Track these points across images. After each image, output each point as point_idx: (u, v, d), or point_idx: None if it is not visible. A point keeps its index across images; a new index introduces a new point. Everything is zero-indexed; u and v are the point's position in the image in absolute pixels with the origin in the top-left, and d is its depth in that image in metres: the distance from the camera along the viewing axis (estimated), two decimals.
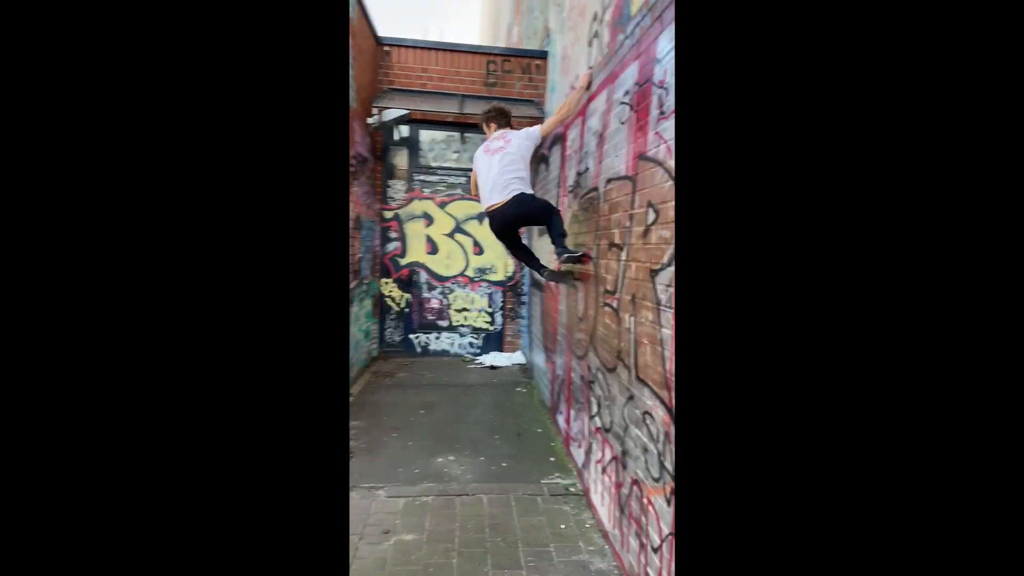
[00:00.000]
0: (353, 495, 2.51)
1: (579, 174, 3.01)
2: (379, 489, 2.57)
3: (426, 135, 5.16)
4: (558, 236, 2.68)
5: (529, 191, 2.75)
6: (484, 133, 3.03)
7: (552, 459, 3.03)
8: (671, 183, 1.64)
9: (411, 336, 5.30)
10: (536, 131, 2.83)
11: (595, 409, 2.50)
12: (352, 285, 4.18)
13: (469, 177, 5.20)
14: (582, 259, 2.69)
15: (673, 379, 1.58)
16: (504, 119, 2.98)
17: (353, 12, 3.93)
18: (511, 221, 2.80)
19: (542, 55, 5.08)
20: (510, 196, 2.70)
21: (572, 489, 2.67)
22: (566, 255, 2.62)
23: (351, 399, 3.93)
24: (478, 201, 2.98)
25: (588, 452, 2.60)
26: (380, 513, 2.36)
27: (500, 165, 2.73)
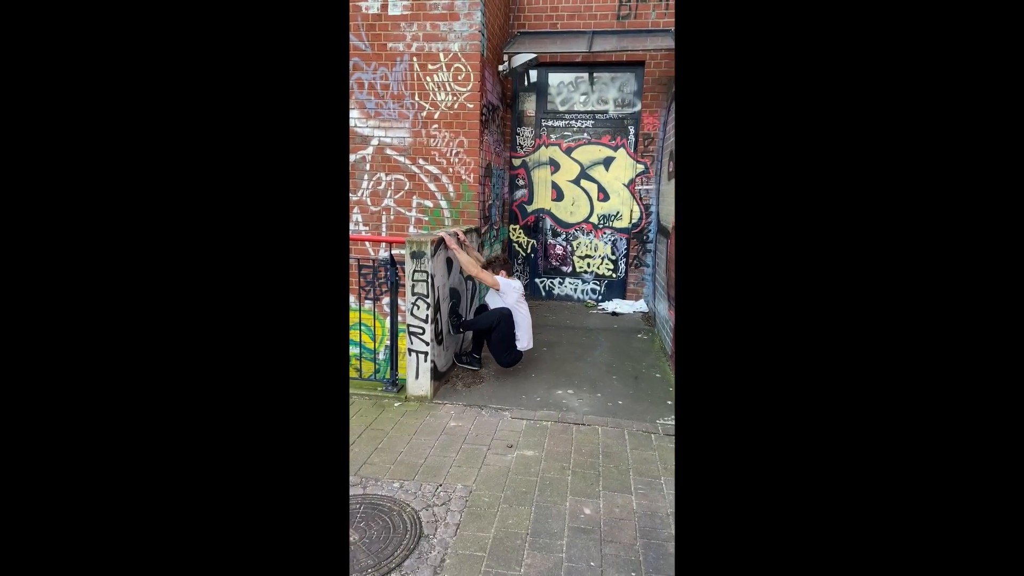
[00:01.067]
0: (483, 413, 2.86)
1: None
2: (505, 411, 2.89)
3: (554, 78, 5.12)
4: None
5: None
6: (496, 273, 3.39)
7: (669, 403, 3.07)
8: None
9: (536, 280, 5.55)
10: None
11: None
12: (483, 230, 4.48)
13: (596, 120, 5.09)
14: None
15: None
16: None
17: None
18: None
19: None
20: None
21: None
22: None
23: None
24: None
25: None
26: (505, 431, 2.67)
27: None
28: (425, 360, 3.01)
